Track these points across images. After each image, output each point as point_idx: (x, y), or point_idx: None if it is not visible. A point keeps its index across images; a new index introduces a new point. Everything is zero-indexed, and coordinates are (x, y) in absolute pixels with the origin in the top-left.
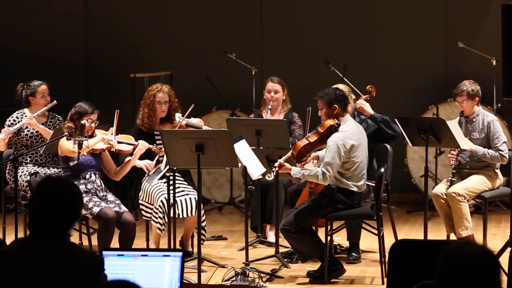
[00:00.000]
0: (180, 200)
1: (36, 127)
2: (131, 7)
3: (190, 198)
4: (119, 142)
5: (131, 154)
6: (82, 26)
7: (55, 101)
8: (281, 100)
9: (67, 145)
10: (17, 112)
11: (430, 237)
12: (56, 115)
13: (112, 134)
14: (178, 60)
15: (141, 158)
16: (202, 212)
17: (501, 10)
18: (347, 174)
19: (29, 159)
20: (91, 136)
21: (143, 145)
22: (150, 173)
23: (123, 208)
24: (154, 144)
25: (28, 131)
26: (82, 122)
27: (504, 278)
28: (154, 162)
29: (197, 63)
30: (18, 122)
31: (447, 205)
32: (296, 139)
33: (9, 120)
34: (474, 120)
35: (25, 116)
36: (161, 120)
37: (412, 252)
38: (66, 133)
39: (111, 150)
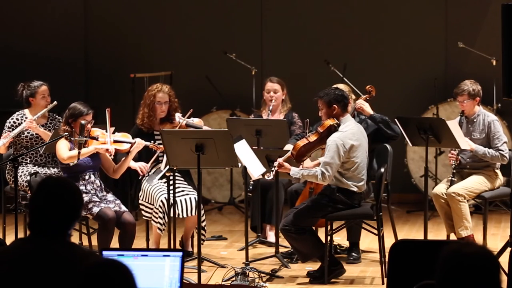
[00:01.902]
0: (180, 200)
1: (36, 130)
2: (131, 7)
3: (190, 198)
4: (115, 141)
5: (129, 152)
6: (82, 26)
7: (55, 102)
8: (280, 99)
9: (60, 151)
10: (17, 113)
11: (430, 237)
12: (57, 116)
13: (107, 131)
14: (178, 60)
15: (141, 156)
16: (202, 212)
17: (501, 10)
18: (347, 174)
19: (29, 159)
20: (89, 135)
21: (140, 143)
22: (150, 173)
23: (123, 208)
24: (152, 141)
25: (28, 133)
26: (82, 122)
27: (504, 278)
28: (152, 161)
29: (197, 63)
30: (19, 124)
31: (447, 205)
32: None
33: (9, 122)
34: (475, 120)
35: (25, 117)
36: (161, 120)
37: (412, 252)
38: (66, 133)
39: (110, 156)
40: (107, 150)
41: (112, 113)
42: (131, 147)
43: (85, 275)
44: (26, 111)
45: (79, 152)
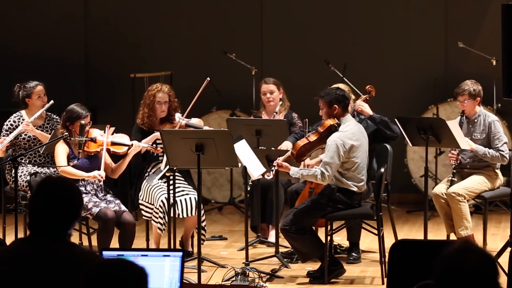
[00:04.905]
0: (180, 200)
1: (33, 132)
2: (131, 7)
3: (190, 198)
4: (113, 143)
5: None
6: (82, 27)
7: (51, 101)
8: (278, 99)
9: (57, 158)
10: (14, 115)
11: (430, 237)
12: (54, 117)
13: (105, 132)
14: (178, 60)
15: (140, 156)
16: (202, 212)
17: (501, 10)
18: (347, 174)
19: (28, 160)
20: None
21: (137, 145)
22: (150, 173)
23: (123, 208)
24: (150, 144)
25: (26, 135)
26: (82, 122)
27: (504, 279)
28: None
29: (197, 63)
30: (16, 126)
31: (447, 205)
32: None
33: (6, 125)
34: (475, 120)
35: (22, 119)
36: (161, 120)
37: (412, 252)
38: (66, 134)
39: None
40: (95, 176)
41: (112, 118)
42: (128, 149)
43: (94, 275)
44: (23, 112)
45: (79, 152)
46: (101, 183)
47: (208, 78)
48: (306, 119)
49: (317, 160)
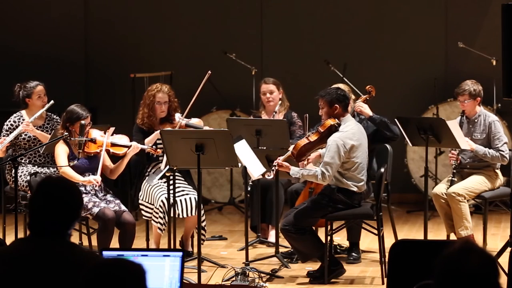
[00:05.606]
0: (180, 200)
1: (33, 133)
2: (131, 7)
3: (190, 198)
4: (113, 144)
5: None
6: (82, 27)
7: (52, 101)
8: (277, 99)
9: (58, 158)
10: (14, 115)
11: (430, 237)
12: (54, 117)
13: (105, 133)
14: (178, 60)
15: (139, 156)
16: (202, 212)
17: (501, 10)
18: (347, 174)
19: (28, 160)
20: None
21: (136, 146)
22: (150, 173)
23: (123, 207)
24: (149, 145)
25: (26, 135)
26: (82, 122)
27: (504, 279)
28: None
29: (197, 63)
30: (16, 126)
31: (447, 205)
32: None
33: (7, 125)
34: (476, 120)
35: (22, 119)
36: (161, 120)
37: (412, 252)
38: (66, 134)
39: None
40: (90, 182)
41: (112, 118)
42: (128, 150)
43: (93, 275)
44: (23, 112)
45: (79, 152)
46: (101, 185)
47: (209, 72)
48: (307, 114)
49: (316, 154)
